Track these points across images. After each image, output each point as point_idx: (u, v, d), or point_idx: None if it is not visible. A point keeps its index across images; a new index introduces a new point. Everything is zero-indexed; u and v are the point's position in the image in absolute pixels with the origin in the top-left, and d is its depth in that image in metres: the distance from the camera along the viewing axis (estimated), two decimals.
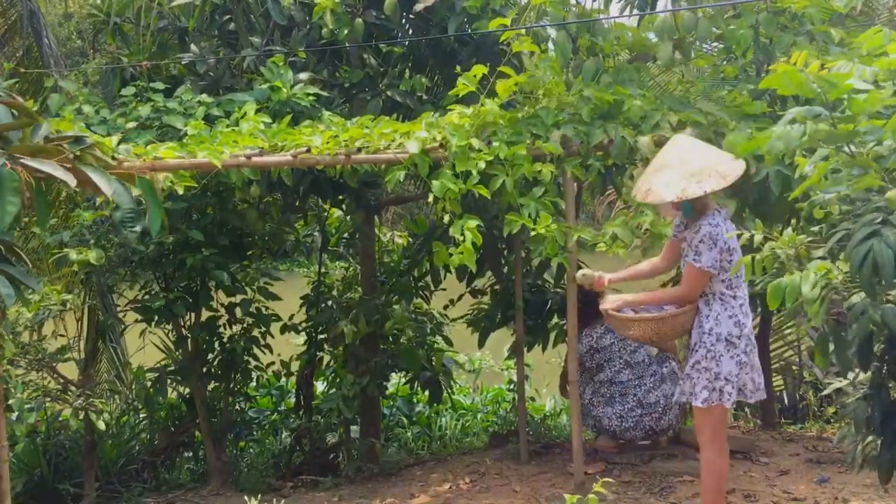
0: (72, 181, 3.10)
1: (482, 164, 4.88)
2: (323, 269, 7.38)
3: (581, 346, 5.64)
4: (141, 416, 7.21)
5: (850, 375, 3.67)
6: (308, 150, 5.03)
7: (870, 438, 3.31)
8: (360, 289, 7.05)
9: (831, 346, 3.10)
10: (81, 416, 5.94)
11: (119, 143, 5.05)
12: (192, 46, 6.59)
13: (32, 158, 3.05)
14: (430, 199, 4.90)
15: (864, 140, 2.85)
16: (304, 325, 6.90)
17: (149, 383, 6.58)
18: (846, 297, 2.92)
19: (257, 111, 5.57)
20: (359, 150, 5.07)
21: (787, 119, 2.92)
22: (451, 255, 4.84)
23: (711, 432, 4.27)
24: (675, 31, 5.44)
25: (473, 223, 4.84)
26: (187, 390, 6.66)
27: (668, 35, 5.44)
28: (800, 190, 3.02)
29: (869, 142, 2.84)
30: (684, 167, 4.07)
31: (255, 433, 7.29)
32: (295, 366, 7.03)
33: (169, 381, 6.49)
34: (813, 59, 3.06)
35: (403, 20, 6.72)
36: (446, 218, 4.93)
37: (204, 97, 5.93)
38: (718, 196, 4.34)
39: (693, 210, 4.22)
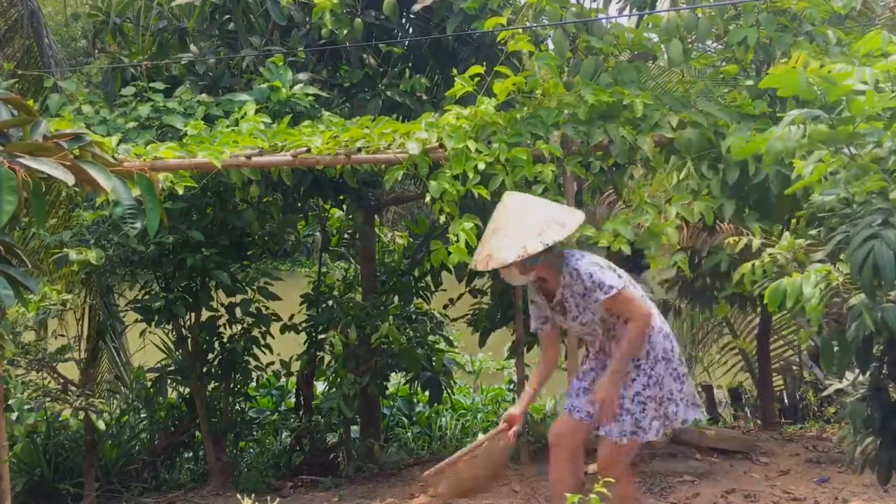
0: (70, 180, 3.10)
1: (482, 165, 4.88)
2: (323, 269, 7.38)
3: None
4: (141, 416, 7.21)
5: (850, 376, 3.67)
6: (308, 150, 5.03)
7: (869, 439, 3.32)
8: (360, 289, 7.05)
9: (836, 349, 3.09)
10: (81, 416, 5.93)
11: (119, 143, 5.06)
12: (192, 46, 6.59)
13: (30, 157, 3.04)
14: (428, 199, 4.90)
15: (863, 142, 2.85)
16: (303, 325, 6.90)
17: (149, 383, 6.59)
18: (846, 298, 2.92)
19: (257, 111, 5.57)
20: (359, 150, 5.07)
21: (787, 121, 2.93)
22: (449, 253, 4.84)
23: (628, 463, 4.02)
24: (678, 31, 5.43)
25: (469, 224, 4.84)
26: (187, 390, 6.66)
27: (674, 34, 5.43)
28: (797, 187, 3.02)
29: (868, 143, 2.84)
30: (520, 224, 3.75)
31: (255, 433, 7.28)
32: (295, 366, 7.02)
33: (169, 381, 6.49)
34: (812, 60, 3.06)
35: (403, 20, 6.72)
36: (442, 218, 4.94)
37: (204, 97, 5.93)
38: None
39: (546, 267, 3.84)
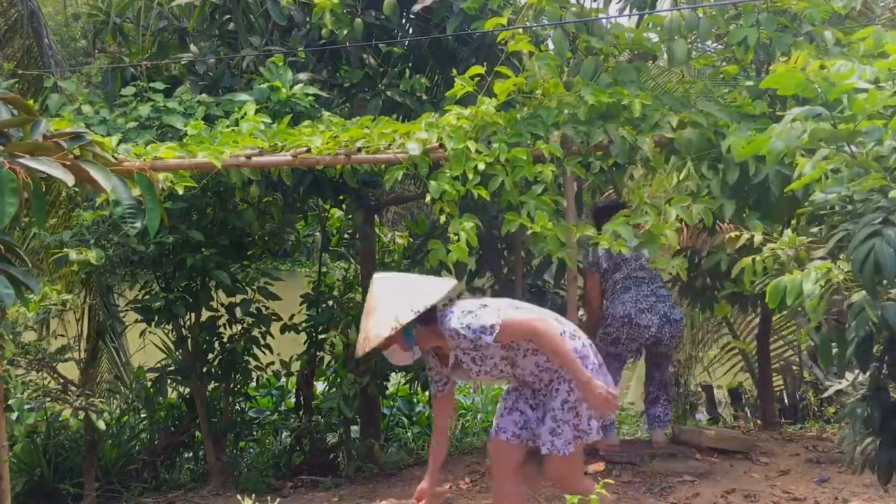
0: (70, 180, 3.10)
1: (482, 166, 4.88)
2: (323, 269, 7.37)
3: (600, 249, 5.68)
4: (141, 416, 7.20)
5: (850, 376, 3.67)
6: (308, 150, 5.03)
7: (869, 439, 3.32)
8: (360, 289, 7.05)
9: (834, 349, 3.09)
10: (81, 416, 5.93)
11: (119, 143, 5.06)
12: (192, 46, 6.59)
13: (31, 157, 3.04)
14: (428, 199, 4.90)
15: (864, 140, 2.85)
16: (303, 325, 6.90)
17: (149, 383, 6.58)
18: (847, 296, 2.92)
19: (257, 111, 5.57)
20: (359, 150, 5.07)
21: (788, 119, 2.93)
22: (448, 252, 4.85)
23: (582, 464, 4.03)
24: (680, 30, 5.44)
25: (470, 224, 4.84)
26: (187, 390, 6.65)
27: (676, 33, 5.43)
28: (798, 185, 3.01)
29: (869, 142, 2.84)
30: (390, 301, 3.71)
31: (255, 433, 7.28)
32: (295, 366, 7.02)
33: (169, 381, 6.48)
34: (812, 60, 3.06)
35: (403, 20, 6.72)
36: (443, 218, 4.94)
37: (204, 97, 5.93)
38: None
39: (425, 334, 3.77)
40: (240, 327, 6.48)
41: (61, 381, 6.11)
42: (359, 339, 3.80)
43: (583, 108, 5.11)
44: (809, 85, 2.79)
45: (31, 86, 7.12)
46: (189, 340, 6.30)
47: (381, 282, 3.89)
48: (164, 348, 6.82)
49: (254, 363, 6.55)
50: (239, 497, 4.49)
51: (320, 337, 6.73)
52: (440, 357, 3.96)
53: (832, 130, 2.80)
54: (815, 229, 3.36)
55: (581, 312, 6.02)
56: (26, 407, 5.81)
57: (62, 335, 6.66)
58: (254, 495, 4.78)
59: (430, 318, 3.75)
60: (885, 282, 2.68)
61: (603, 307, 5.93)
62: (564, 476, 3.88)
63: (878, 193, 2.79)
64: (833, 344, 3.08)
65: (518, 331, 3.69)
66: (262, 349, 6.57)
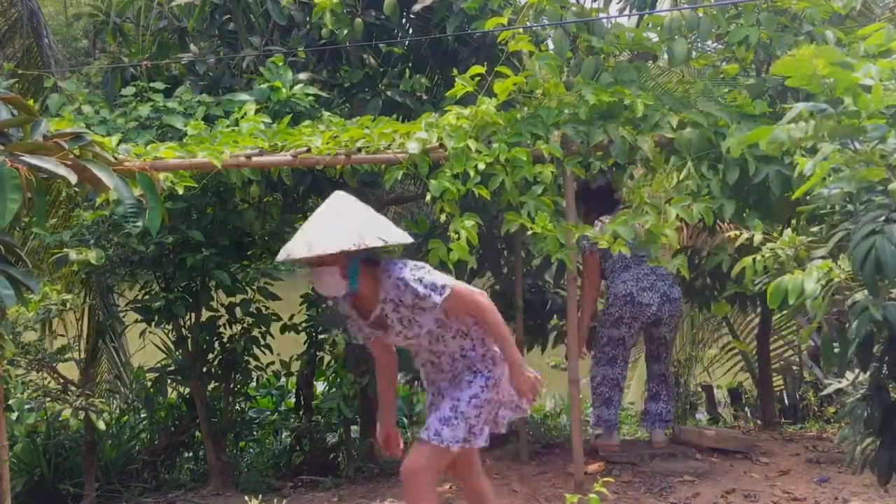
0: (73, 178, 3.10)
1: (482, 165, 4.88)
2: None
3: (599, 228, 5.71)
4: (141, 416, 7.20)
5: (850, 376, 3.67)
6: (308, 150, 5.03)
7: (869, 439, 3.32)
8: None
9: (836, 348, 3.09)
10: (81, 416, 5.93)
11: (119, 143, 5.06)
12: (192, 46, 6.59)
13: (32, 155, 3.04)
14: (428, 198, 4.90)
15: (868, 138, 2.85)
16: (304, 325, 6.89)
17: (149, 383, 6.58)
18: (848, 295, 2.92)
19: (257, 111, 5.57)
20: (359, 150, 5.07)
21: (793, 114, 2.92)
22: (449, 251, 4.85)
23: (436, 480, 3.74)
24: (681, 30, 5.44)
25: (470, 222, 4.84)
26: (187, 390, 6.65)
27: (676, 33, 5.43)
28: (801, 191, 3.01)
29: (873, 140, 2.84)
30: (353, 216, 3.48)
31: (255, 433, 7.27)
32: (295, 366, 7.02)
33: (169, 381, 6.48)
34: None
35: (403, 20, 6.72)
36: (443, 217, 4.94)
37: (204, 97, 5.92)
38: None
39: (364, 274, 3.51)
40: (240, 327, 6.48)
41: (61, 381, 6.10)
42: (294, 244, 3.44)
43: (583, 107, 5.11)
44: (816, 78, 2.77)
45: (31, 86, 7.12)
46: (189, 340, 6.30)
47: (344, 200, 3.61)
48: (164, 348, 6.81)
49: (254, 363, 6.55)
50: (245, 498, 4.50)
51: (320, 337, 6.73)
52: (357, 307, 3.66)
53: (836, 126, 2.79)
54: (815, 228, 3.37)
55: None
56: (26, 407, 5.82)
57: (62, 335, 6.66)
58: (260, 496, 4.80)
59: (374, 260, 3.53)
60: (886, 281, 2.68)
61: (601, 288, 5.94)
62: (420, 471, 3.55)
63: (881, 194, 2.79)
64: (835, 344, 3.08)
65: (465, 300, 3.51)
66: (262, 349, 6.57)
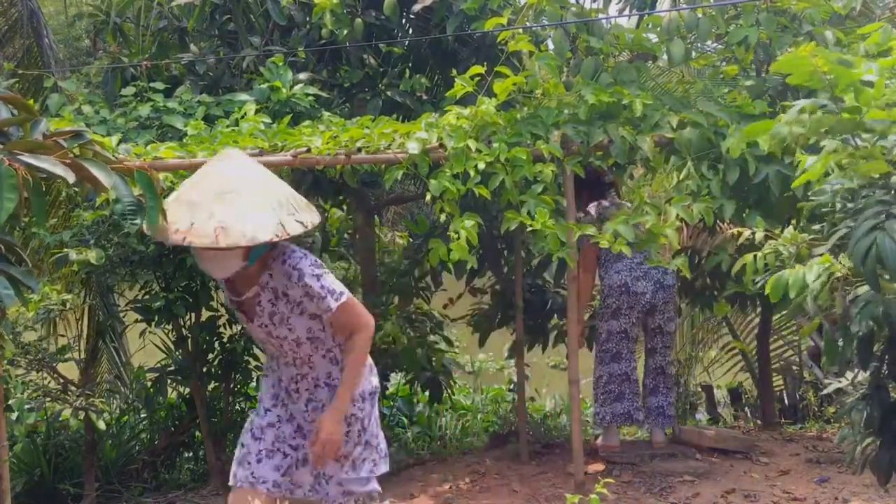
0: (70, 177, 3.09)
1: (482, 165, 4.88)
2: None
3: (592, 214, 5.81)
4: (141, 416, 7.20)
5: (850, 375, 3.67)
6: (308, 150, 5.03)
7: (869, 439, 3.31)
8: (360, 289, 7.05)
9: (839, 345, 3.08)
10: (81, 416, 5.93)
11: (119, 143, 5.06)
12: (192, 46, 6.59)
13: (30, 154, 3.04)
14: (428, 198, 4.90)
15: (870, 126, 2.84)
16: None
17: (149, 383, 6.58)
18: (849, 291, 2.92)
19: (257, 111, 5.57)
20: (359, 150, 5.07)
21: (795, 110, 2.91)
22: (449, 251, 4.85)
23: None
24: (679, 30, 5.44)
25: (471, 223, 4.84)
26: (187, 390, 6.65)
27: (675, 34, 5.43)
28: (801, 180, 3.00)
29: (874, 134, 2.83)
30: (266, 195, 3.05)
31: None
32: None
33: (169, 381, 6.48)
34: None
35: (403, 20, 6.72)
36: (443, 217, 4.94)
37: (204, 97, 5.92)
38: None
39: (265, 258, 3.18)
40: (240, 327, 6.48)
41: (61, 381, 6.10)
42: (203, 223, 2.96)
43: (583, 107, 5.11)
44: (817, 75, 2.77)
45: (31, 86, 7.12)
46: (189, 340, 6.30)
47: (242, 162, 3.20)
48: (164, 348, 6.82)
49: (254, 363, 6.55)
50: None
51: None
52: (228, 283, 3.35)
53: (837, 120, 2.77)
54: (816, 227, 3.36)
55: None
56: (26, 407, 5.82)
57: (62, 335, 6.66)
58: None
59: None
60: (887, 276, 2.68)
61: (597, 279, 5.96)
62: None
63: (881, 189, 2.78)
64: (839, 343, 3.08)
65: (356, 314, 3.24)
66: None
